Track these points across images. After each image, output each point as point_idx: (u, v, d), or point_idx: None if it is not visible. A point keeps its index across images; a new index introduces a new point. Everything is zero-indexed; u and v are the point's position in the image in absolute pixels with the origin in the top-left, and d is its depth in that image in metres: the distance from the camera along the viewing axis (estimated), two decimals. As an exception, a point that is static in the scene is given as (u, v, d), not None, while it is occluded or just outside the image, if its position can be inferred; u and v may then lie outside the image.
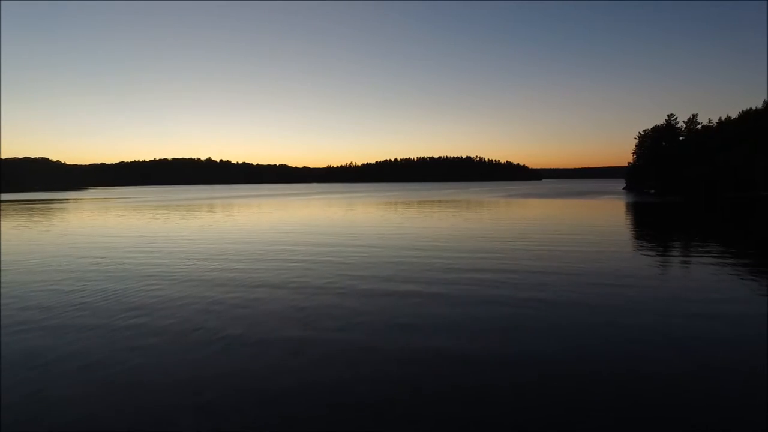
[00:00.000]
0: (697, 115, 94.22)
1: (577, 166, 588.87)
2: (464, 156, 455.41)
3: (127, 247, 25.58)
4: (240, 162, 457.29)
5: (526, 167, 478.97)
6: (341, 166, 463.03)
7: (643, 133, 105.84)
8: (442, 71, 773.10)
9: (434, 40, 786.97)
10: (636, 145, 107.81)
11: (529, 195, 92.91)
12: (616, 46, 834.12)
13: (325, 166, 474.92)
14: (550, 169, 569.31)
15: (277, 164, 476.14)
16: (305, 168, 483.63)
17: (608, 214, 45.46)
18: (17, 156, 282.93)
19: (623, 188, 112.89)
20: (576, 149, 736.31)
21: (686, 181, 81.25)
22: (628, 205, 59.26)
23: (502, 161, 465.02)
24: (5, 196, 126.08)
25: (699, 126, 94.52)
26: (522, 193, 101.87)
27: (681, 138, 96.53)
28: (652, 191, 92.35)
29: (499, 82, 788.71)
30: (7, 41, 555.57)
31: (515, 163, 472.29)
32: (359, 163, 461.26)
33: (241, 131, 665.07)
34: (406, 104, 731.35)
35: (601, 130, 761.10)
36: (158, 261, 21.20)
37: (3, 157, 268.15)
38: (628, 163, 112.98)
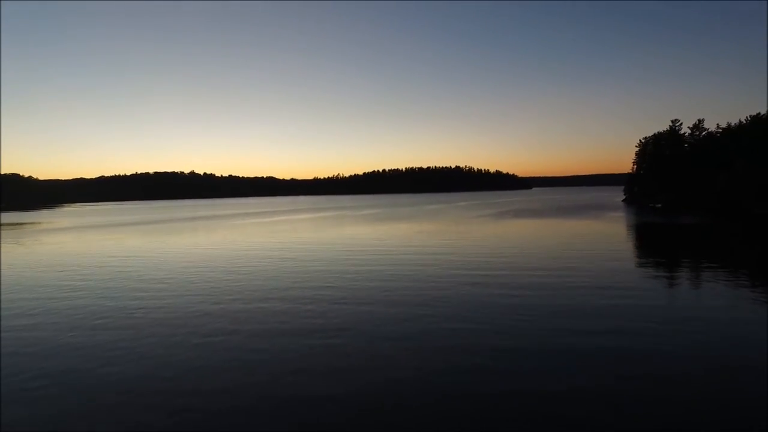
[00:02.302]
0: (703, 120, 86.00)
1: (567, 174, 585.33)
2: (453, 166, 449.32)
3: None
4: (225, 175, 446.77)
5: (515, 176, 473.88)
6: (328, 177, 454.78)
7: (644, 140, 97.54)
8: (429, 80, 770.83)
9: (421, 49, 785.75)
10: (636, 154, 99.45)
11: (521, 212, 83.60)
12: (606, 51, 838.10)
13: (312, 177, 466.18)
14: (540, 177, 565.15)
15: (264, 176, 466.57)
16: (292, 180, 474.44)
17: (623, 249, 35.79)
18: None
19: (622, 200, 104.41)
20: (566, 157, 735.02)
21: (700, 193, 72.49)
22: (643, 229, 50.08)
23: (491, 170, 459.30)
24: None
25: (704, 132, 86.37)
26: (514, 210, 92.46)
27: (686, 145, 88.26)
28: (659, 205, 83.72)
29: (488, 90, 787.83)
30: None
31: (504, 172, 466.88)
32: (347, 175, 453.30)
33: (226, 143, 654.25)
34: (394, 114, 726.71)
35: (592, 137, 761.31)
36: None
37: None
38: (630, 172, 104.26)
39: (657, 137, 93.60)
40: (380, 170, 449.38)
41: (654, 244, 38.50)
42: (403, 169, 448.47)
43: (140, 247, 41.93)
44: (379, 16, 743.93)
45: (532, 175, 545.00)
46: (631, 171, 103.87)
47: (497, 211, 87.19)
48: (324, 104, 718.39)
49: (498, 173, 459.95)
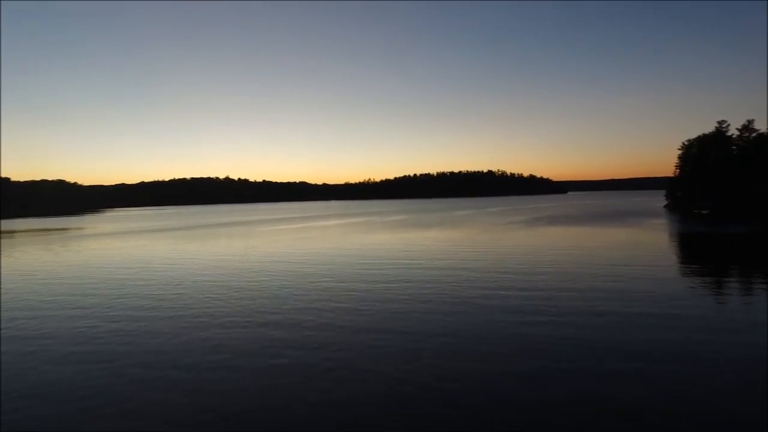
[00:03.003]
0: (753, 120, 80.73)
1: (603, 178, 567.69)
2: (485, 170, 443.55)
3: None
4: (259, 180, 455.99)
5: (550, 180, 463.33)
6: (359, 182, 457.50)
7: (687, 142, 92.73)
8: (462, 83, 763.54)
9: (453, 51, 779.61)
10: (679, 157, 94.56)
11: (555, 219, 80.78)
12: (646, 49, 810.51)
13: (343, 182, 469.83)
14: (576, 181, 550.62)
15: (297, 181, 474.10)
16: (324, 185, 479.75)
17: (668, 260, 33.40)
18: (35, 178, 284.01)
19: (664, 206, 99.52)
20: (603, 160, 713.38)
21: (751, 199, 68.02)
22: (688, 237, 47.08)
23: (525, 174, 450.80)
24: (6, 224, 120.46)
25: (755, 133, 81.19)
26: (547, 216, 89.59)
27: (733, 147, 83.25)
28: (705, 212, 79.17)
29: (521, 92, 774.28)
30: (23, 67, 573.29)
31: (538, 176, 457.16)
32: (378, 179, 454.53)
33: (259, 149, 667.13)
34: (425, 118, 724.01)
35: (630, 139, 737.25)
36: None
37: (17, 180, 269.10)
38: (672, 176, 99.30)
39: (702, 139, 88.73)
40: (411, 175, 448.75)
41: (702, 254, 35.86)
42: (435, 173, 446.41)
43: (171, 252, 42.27)
44: (409, 18, 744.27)
45: (567, 179, 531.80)
46: (673, 175, 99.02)
47: (530, 217, 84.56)
48: (355, 109, 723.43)
49: (531, 177, 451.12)
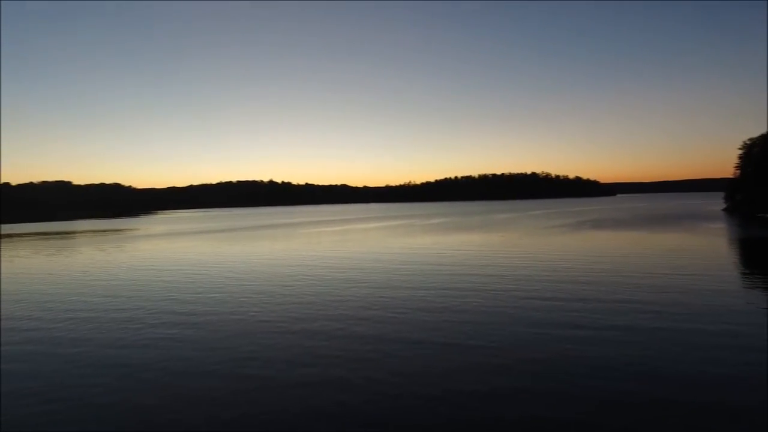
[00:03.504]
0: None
1: (655, 180, 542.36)
2: (529, 172, 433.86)
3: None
4: (302, 183, 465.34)
5: (597, 182, 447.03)
6: (400, 185, 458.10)
7: (749, 141, 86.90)
8: (504, 82, 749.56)
9: (495, 50, 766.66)
10: (740, 157, 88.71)
11: (602, 222, 77.65)
12: (700, 44, 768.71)
13: (384, 185, 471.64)
14: (624, 183, 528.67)
15: (338, 184, 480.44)
16: (365, 187, 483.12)
17: (728, 269, 31.13)
18: (94, 182, 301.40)
19: (722, 210, 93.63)
20: (654, 161, 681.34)
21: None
22: (751, 244, 43.95)
23: (570, 176, 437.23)
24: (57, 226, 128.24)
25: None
26: (594, 219, 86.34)
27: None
28: (768, 215, 73.94)
29: (567, 90, 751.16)
30: (82, 77, 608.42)
31: (585, 178, 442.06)
32: (418, 182, 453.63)
33: (302, 152, 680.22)
34: (467, 118, 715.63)
35: (684, 139, 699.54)
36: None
37: (78, 183, 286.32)
38: (731, 177, 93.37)
39: (766, 138, 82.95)
40: (452, 177, 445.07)
41: (765, 262, 33.36)
42: (476, 176, 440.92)
43: (213, 254, 43.54)
44: (447, 18, 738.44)
45: (616, 181, 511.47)
46: (732, 176, 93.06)
47: (575, 220, 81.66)
48: (395, 111, 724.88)
49: (577, 179, 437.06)
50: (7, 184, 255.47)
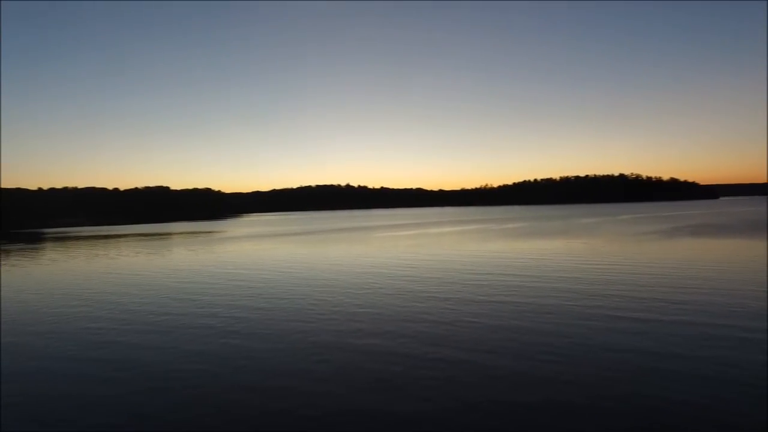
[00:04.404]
0: None
1: (764, 182, 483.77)
2: (616, 174, 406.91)
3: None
4: (377, 187, 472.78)
5: (696, 184, 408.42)
6: (476, 188, 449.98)
7: None
8: (588, 78, 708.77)
9: (579, 45, 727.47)
10: None
11: (702, 228, 70.67)
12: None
13: (459, 188, 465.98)
14: (729, 185, 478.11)
15: (413, 188, 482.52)
16: (440, 191, 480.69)
17: None
18: (188, 187, 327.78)
19: None
20: (761, 160, 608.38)
21: None
22: None
23: (665, 177, 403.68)
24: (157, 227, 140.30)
25: None
26: (692, 225, 78.96)
27: None
28: None
29: (658, 84, 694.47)
30: (170, 92, 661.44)
31: (681, 179, 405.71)
32: (495, 185, 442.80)
33: (377, 155, 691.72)
34: (547, 118, 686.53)
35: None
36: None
37: (175, 188, 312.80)
38: None
39: None
40: (532, 180, 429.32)
41: None
42: (557, 178, 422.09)
43: (290, 255, 45.18)
44: (526, 17, 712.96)
45: (719, 183, 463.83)
46: None
47: (669, 226, 74.93)
48: (471, 113, 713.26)
49: (673, 181, 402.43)
50: (116, 190, 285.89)
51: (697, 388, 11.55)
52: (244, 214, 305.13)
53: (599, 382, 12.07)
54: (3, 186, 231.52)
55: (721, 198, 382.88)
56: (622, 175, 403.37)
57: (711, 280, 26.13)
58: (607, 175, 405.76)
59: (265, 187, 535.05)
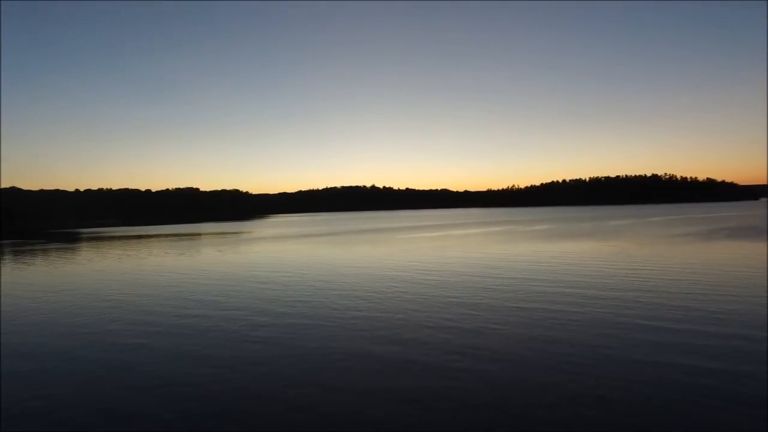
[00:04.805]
0: None
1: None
2: (649, 174, 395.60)
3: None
4: (403, 188, 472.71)
5: (735, 185, 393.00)
6: (502, 189, 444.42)
7: None
8: (619, 77, 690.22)
9: (611, 43, 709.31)
10: None
11: (740, 231, 67.71)
12: None
13: (485, 189, 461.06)
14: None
15: (438, 189, 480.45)
16: (466, 192, 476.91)
17: None
18: (216, 188, 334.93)
19: None
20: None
21: None
22: None
23: (700, 178, 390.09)
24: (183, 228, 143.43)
25: None
26: (730, 227, 75.86)
27: None
28: None
29: (690, 81, 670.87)
30: (205, 103, 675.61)
31: (719, 179, 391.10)
32: (522, 186, 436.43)
33: (403, 157, 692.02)
34: (575, 117, 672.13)
35: None
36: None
37: (204, 189, 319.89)
38: None
39: None
40: (559, 181, 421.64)
41: None
42: (587, 179, 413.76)
43: (314, 256, 45.32)
44: (556, 17, 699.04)
45: (760, 183, 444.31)
46: None
47: (704, 228, 72.05)
48: (498, 114, 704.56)
49: (709, 181, 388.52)
50: (148, 191, 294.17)
51: (744, 408, 10.78)
52: (271, 215, 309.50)
53: (631, 397, 11.41)
54: (43, 188, 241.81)
55: (762, 199, 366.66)
56: (654, 176, 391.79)
57: (749, 287, 24.74)
58: (639, 176, 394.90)
59: (292, 188, 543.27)
